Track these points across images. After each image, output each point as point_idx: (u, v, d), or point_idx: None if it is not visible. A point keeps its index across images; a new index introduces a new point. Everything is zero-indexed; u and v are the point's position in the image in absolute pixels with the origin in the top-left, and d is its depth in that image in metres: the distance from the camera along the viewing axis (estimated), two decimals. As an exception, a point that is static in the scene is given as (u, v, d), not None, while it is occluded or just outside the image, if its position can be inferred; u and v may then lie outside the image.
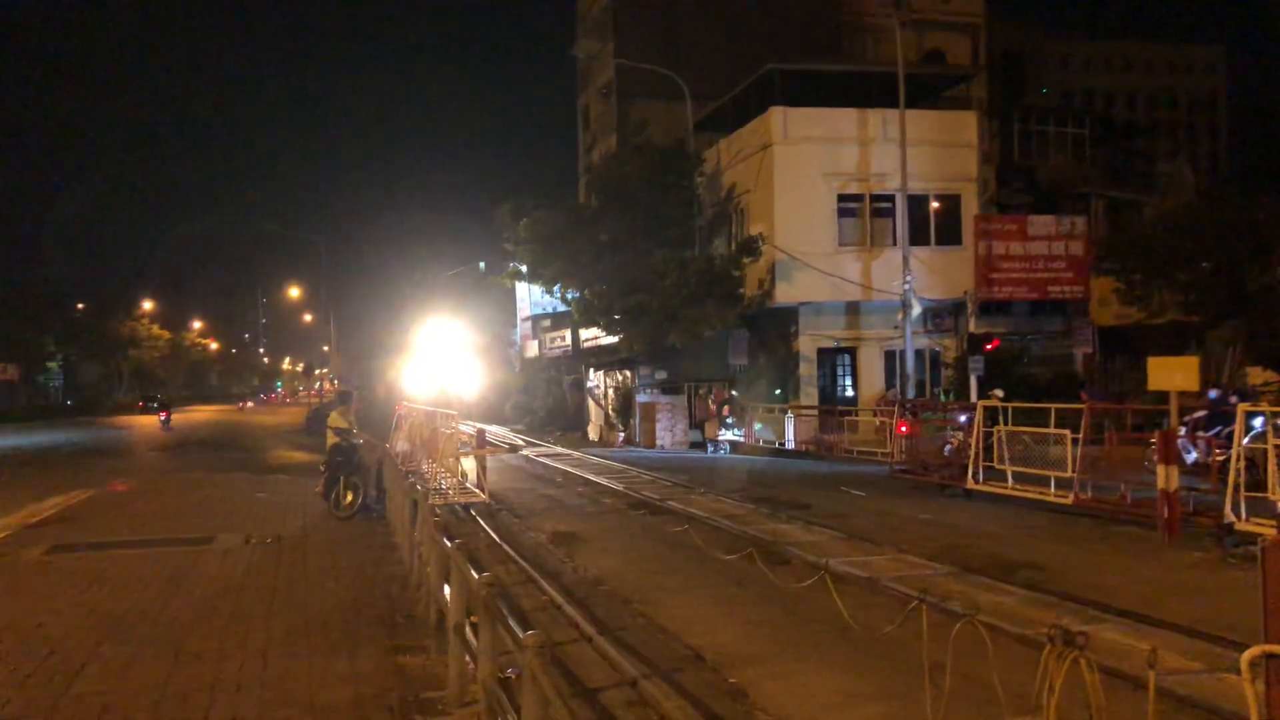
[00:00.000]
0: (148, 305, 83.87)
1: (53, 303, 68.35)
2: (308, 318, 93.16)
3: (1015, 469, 15.17)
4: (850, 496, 17.09)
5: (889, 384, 28.12)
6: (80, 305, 74.40)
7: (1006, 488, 15.23)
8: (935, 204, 28.58)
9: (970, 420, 16.86)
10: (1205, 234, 25.96)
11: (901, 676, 6.74)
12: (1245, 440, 11.82)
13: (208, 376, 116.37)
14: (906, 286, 25.31)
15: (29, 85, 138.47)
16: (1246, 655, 3.83)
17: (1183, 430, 15.07)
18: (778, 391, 29.18)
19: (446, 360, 42.18)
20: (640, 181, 29.81)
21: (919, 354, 27.39)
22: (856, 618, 7.66)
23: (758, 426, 27.94)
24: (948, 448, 18.33)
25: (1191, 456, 14.88)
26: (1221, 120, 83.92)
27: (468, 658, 6.13)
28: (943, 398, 26.46)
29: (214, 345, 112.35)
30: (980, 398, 20.68)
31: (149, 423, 50.64)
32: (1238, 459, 11.43)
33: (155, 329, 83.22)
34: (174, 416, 51.20)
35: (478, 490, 16.87)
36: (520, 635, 4.26)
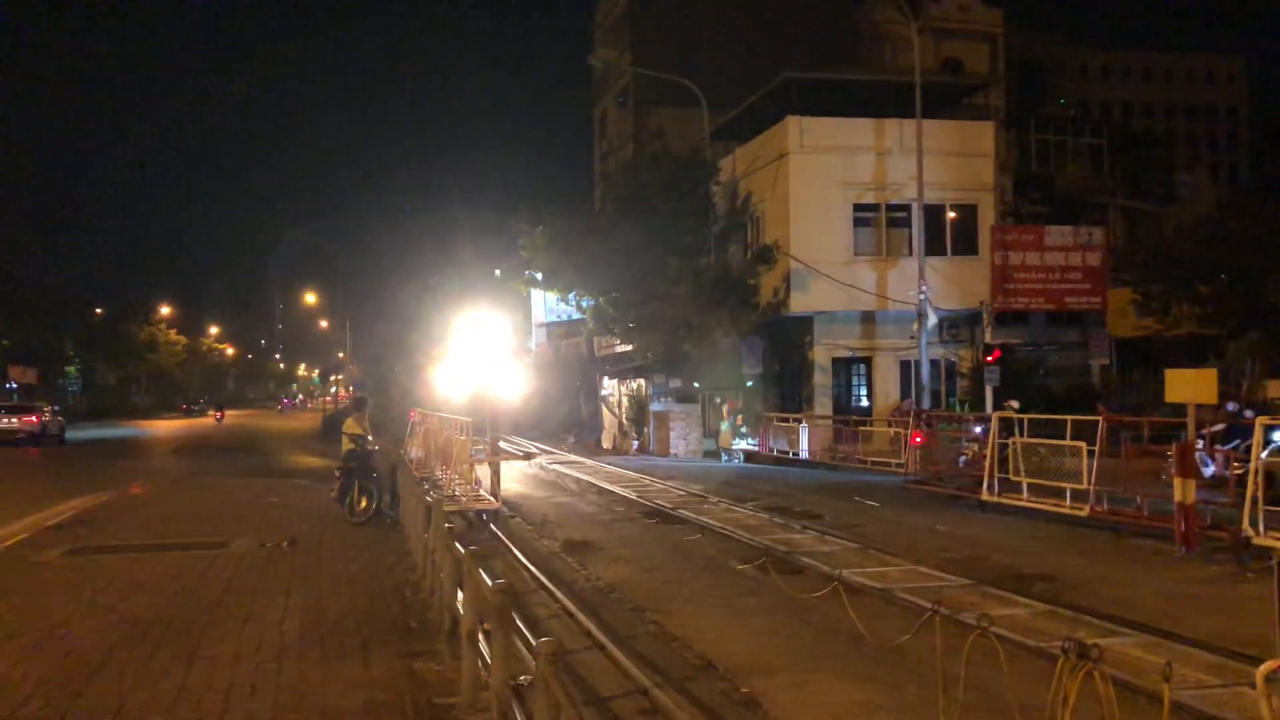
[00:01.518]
0: (165, 310, 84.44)
1: (72, 306, 68.81)
2: (324, 323, 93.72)
3: (1030, 481, 15.06)
4: (864, 507, 17.03)
5: (904, 394, 28.02)
6: (99, 309, 74.83)
7: (1021, 499, 15.14)
8: (951, 214, 28.51)
9: (985, 431, 16.80)
10: (1225, 246, 25.86)
11: (915, 688, 6.72)
12: (1264, 454, 11.72)
13: (224, 381, 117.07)
14: (922, 296, 25.25)
15: (51, 89, 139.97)
16: (1262, 670, 3.81)
17: (1200, 443, 14.95)
18: (792, 401, 29.12)
19: (474, 365, 42.14)
20: (656, 189, 29.87)
21: (934, 364, 27.30)
22: (870, 629, 7.64)
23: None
24: (962, 459, 18.29)
25: (1209, 470, 14.78)
26: (1241, 131, 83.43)
27: (480, 664, 6.15)
28: (958, 408, 26.37)
29: (230, 351, 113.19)
30: (996, 409, 20.60)
31: (189, 424, 60.51)
32: (1256, 472, 11.34)
33: (173, 334, 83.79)
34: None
35: (491, 497, 16.88)
36: (533, 642, 4.27)
